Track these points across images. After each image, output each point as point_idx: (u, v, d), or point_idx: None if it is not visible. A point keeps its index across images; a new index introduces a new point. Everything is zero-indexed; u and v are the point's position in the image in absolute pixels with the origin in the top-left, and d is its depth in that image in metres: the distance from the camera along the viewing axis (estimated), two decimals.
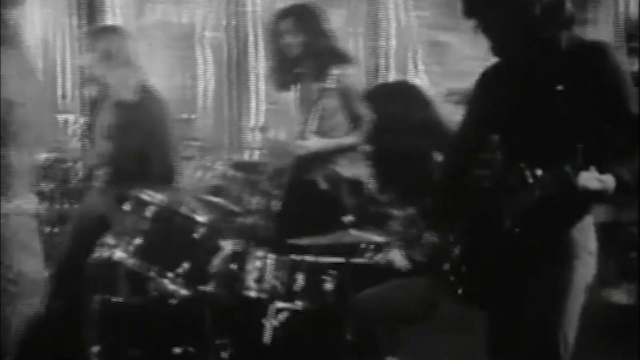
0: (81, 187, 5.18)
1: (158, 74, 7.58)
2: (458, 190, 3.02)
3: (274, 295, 4.01)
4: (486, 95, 2.97)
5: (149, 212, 3.98)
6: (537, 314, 2.80)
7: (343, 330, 3.80)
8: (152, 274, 3.97)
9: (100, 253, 4.03)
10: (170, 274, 4.00)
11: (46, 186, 5.68)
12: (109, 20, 7.57)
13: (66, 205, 5.56)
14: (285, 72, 4.75)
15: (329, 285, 4.01)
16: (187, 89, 7.02)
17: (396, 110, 4.36)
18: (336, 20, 5.52)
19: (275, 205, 4.51)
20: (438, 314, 3.63)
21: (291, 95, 4.85)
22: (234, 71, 7.01)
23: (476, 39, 2.83)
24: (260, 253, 4.03)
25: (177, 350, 3.94)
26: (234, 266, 4.05)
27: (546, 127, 2.73)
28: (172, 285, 4.02)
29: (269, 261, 4.01)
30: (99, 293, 3.94)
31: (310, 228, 3.90)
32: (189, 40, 7.04)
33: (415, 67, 6.43)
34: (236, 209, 4.59)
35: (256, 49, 6.79)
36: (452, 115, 3.80)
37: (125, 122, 4.40)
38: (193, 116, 6.70)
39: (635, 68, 5.33)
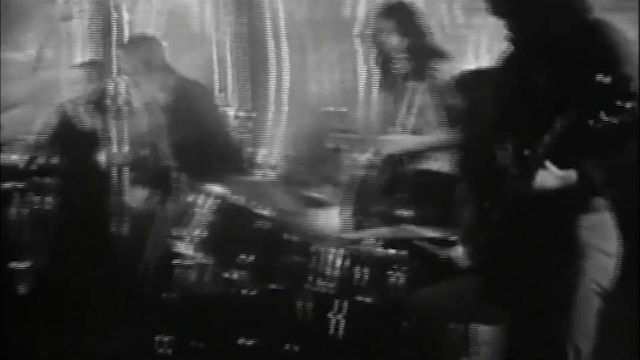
0: None
1: (318, 67, 7.70)
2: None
3: (340, 289, 3.83)
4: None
5: (213, 205, 3.91)
6: (540, 321, 2.58)
7: (404, 326, 3.62)
8: (216, 266, 3.91)
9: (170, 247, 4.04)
10: (234, 267, 3.95)
11: None
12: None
13: None
14: (388, 71, 4.61)
15: (394, 280, 3.75)
16: (345, 82, 7.05)
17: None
18: None
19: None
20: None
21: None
22: None
23: None
24: (326, 247, 3.84)
25: (242, 341, 3.86)
26: (300, 259, 3.89)
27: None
28: (236, 278, 3.95)
29: (334, 255, 3.82)
30: (167, 285, 3.98)
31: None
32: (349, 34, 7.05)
33: None
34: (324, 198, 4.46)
35: None
36: None
37: (173, 119, 4.71)
38: (345, 109, 6.71)
39: None
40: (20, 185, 6.75)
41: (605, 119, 2.32)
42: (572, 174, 2.45)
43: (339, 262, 3.85)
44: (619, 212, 2.64)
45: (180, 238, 4.00)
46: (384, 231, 3.75)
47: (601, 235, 2.58)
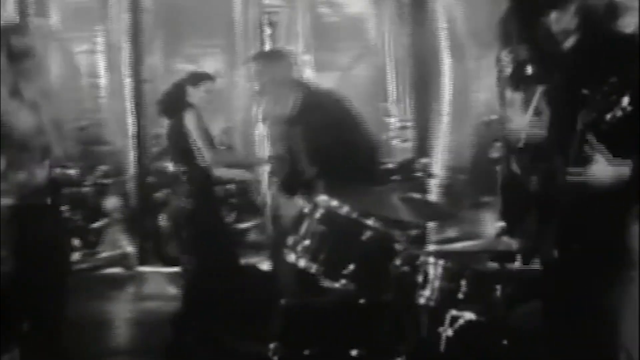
0: None
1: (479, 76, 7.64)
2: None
3: (445, 302, 3.82)
4: None
5: (318, 214, 4.01)
6: (592, 331, 2.71)
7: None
8: (322, 275, 3.99)
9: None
10: (341, 277, 3.98)
11: None
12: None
13: None
14: (516, 74, 4.52)
15: (497, 294, 3.70)
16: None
17: None
18: None
19: None
20: None
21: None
22: None
23: None
24: (431, 258, 3.85)
25: (352, 352, 3.94)
26: (406, 270, 3.92)
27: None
28: (343, 288, 4.00)
29: (434, 267, 3.82)
30: (278, 293, 4.11)
31: None
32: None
33: None
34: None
35: None
36: None
37: (306, 127, 4.77)
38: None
39: None
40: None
41: None
42: (625, 168, 2.49)
43: (440, 275, 3.83)
44: None
45: (291, 247, 4.09)
46: (485, 243, 3.67)
47: None
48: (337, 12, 8.98)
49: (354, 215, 3.97)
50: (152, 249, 8.28)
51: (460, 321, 3.82)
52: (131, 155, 8.68)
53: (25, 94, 3.91)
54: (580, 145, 2.53)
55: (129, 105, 8.74)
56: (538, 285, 3.50)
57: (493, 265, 3.79)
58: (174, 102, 5.56)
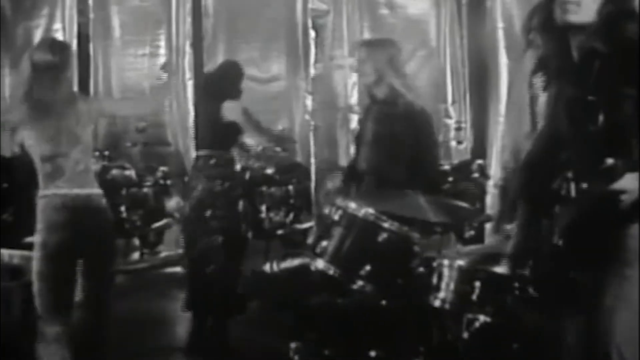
0: None
1: None
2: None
3: (460, 304, 3.78)
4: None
5: (336, 215, 4.02)
6: (585, 326, 2.70)
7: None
8: (339, 276, 4.00)
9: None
10: (356, 278, 3.98)
11: None
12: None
13: None
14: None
15: (510, 298, 3.65)
16: None
17: None
18: None
19: None
20: None
21: None
22: None
23: None
24: (446, 260, 3.82)
25: (372, 353, 3.94)
26: (422, 271, 3.90)
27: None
28: (362, 290, 4.00)
29: (449, 269, 3.79)
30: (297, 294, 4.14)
31: None
32: None
33: None
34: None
35: None
36: None
37: (389, 130, 4.73)
38: None
39: None
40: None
41: None
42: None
43: (455, 277, 3.79)
44: None
45: (310, 248, 4.12)
46: (497, 245, 3.63)
47: None
48: (396, 13, 8.97)
49: (372, 217, 3.94)
50: None
51: (476, 324, 3.75)
52: (192, 156, 8.84)
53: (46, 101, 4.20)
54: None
55: (190, 107, 8.91)
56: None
57: (506, 267, 3.73)
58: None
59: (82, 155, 4.26)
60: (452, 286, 3.81)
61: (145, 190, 8.40)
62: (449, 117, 8.68)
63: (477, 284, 3.76)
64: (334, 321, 4.10)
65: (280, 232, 8.13)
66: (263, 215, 8.32)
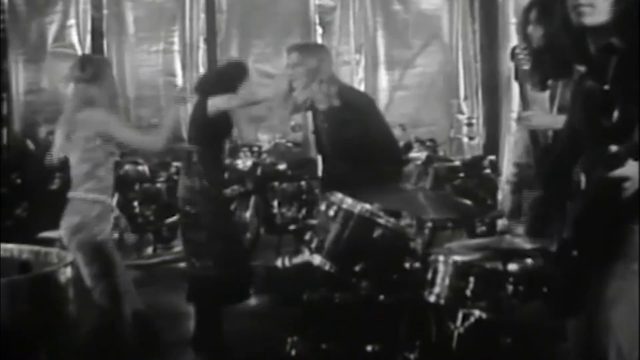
0: None
1: None
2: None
3: (454, 300, 3.80)
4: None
5: (331, 212, 4.04)
6: (586, 320, 2.66)
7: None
8: (338, 274, 4.03)
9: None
10: (351, 273, 4.02)
11: None
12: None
13: None
14: (536, 68, 4.43)
15: (504, 293, 3.66)
16: None
17: None
18: None
19: None
20: None
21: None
22: None
23: None
24: (441, 256, 3.84)
25: (369, 348, 3.97)
26: (417, 267, 3.92)
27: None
28: (359, 286, 4.03)
29: (444, 264, 3.80)
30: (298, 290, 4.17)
31: None
32: None
33: None
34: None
35: None
36: None
37: (336, 125, 4.81)
38: None
39: None
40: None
41: None
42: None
43: (450, 272, 3.81)
44: None
45: (306, 244, 4.14)
46: (489, 241, 3.64)
47: None
48: (409, 9, 8.98)
49: (367, 213, 3.96)
50: None
51: (471, 319, 3.77)
52: None
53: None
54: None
55: None
56: (544, 284, 3.47)
57: (499, 263, 3.74)
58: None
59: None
60: (447, 281, 3.83)
61: (158, 185, 8.45)
62: (461, 112, 8.68)
63: (472, 279, 3.78)
64: (331, 316, 4.12)
65: (292, 227, 8.17)
66: (275, 210, 8.35)
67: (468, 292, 3.78)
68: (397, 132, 6.64)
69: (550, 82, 4.31)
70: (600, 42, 2.65)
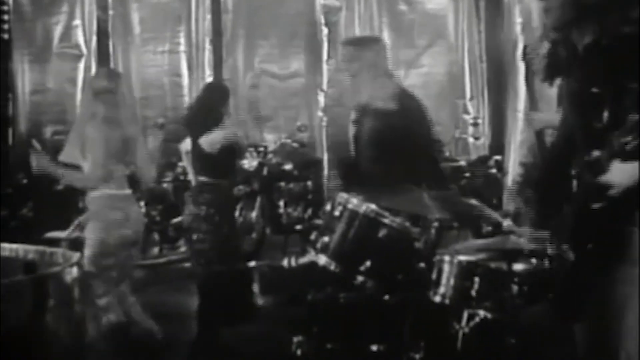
0: None
1: None
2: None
3: (459, 300, 3.79)
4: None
5: (337, 212, 4.03)
6: (592, 328, 2.68)
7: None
8: (344, 273, 4.02)
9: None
10: (356, 273, 4.01)
11: None
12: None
13: None
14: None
15: (508, 293, 3.66)
16: None
17: None
18: None
19: None
20: None
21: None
22: None
23: None
24: (447, 256, 3.83)
25: (374, 347, 3.97)
26: (423, 267, 3.91)
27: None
28: (364, 286, 4.02)
29: (449, 264, 3.80)
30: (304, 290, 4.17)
31: None
32: None
33: None
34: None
35: None
36: None
37: (388, 127, 4.60)
38: None
39: None
40: None
41: None
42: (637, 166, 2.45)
43: (455, 273, 3.80)
44: None
45: (311, 244, 4.13)
46: (494, 241, 3.63)
47: None
48: (414, 9, 8.97)
49: (372, 213, 3.95)
50: None
51: (476, 319, 3.77)
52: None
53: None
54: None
55: None
56: (548, 284, 3.46)
57: (503, 263, 3.74)
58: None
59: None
60: (452, 282, 3.83)
61: (164, 185, 8.46)
62: (467, 112, 8.67)
63: (477, 279, 3.78)
64: (336, 316, 4.12)
65: (298, 227, 8.16)
66: (281, 210, 8.36)
67: (473, 292, 3.78)
68: None
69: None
70: (588, 40, 2.65)
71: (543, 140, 4.31)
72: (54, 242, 6.91)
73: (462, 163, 7.86)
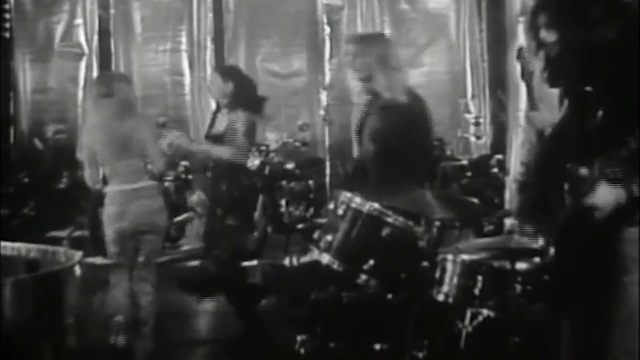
0: None
1: None
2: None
3: (462, 299, 3.79)
4: None
5: (340, 210, 4.02)
6: (582, 339, 2.65)
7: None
8: (347, 272, 4.02)
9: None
10: (360, 272, 4.00)
11: None
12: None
13: None
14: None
15: (512, 292, 3.66)
16: None
17: None
18: None
19: None
20: None
21: None
22: None
23: None
24: (450, 255, 3.83)
25: (377, 346, 3.97)
26: (426, 265, 3.91)
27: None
28: (366, 285, 4.02)
29: (452, 263, 3.80)
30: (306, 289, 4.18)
31: None
32: None
33: None
34: None
35: None
36: None
37: (393, 123, 4.58)
38: None
39: None
40: None
41: None
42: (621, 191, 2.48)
43: (458, 271, 3.80)
44: None
45: (315, 242, 4.12)
46: (497, 240, 3.64)
47: None
48: (416, 8, 8.97)
49: (375, 212, 3.95)
50: None
51: (479, 318, 3.77)
52: None
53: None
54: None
55: (212, 102, 8.94)
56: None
57: (507, 262, 3.74)
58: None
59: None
60: (455, 280, 3.83)
61: (166, 184, 8.45)
62: (469, 111, 8.66)
63: (480, 278, 3.78)
64: (339, 315, 4.11)
65: (300, 226, 8.16)
66: (283, 209, 8.35)
67: (476, 291, 3.78)
68: None
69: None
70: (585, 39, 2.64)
71: (544, 140, 4.30)
72: (56, 241, 6.92)
73: (464, 162, 7.85)
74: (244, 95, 5.60)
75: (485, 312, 3.76)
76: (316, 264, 4.14)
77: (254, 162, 7.75)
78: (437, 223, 3.98)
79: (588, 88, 2.61)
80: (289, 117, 8.73)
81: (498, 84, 8.45)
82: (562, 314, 2.77)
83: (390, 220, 3.97)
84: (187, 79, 9.18)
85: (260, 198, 7.99)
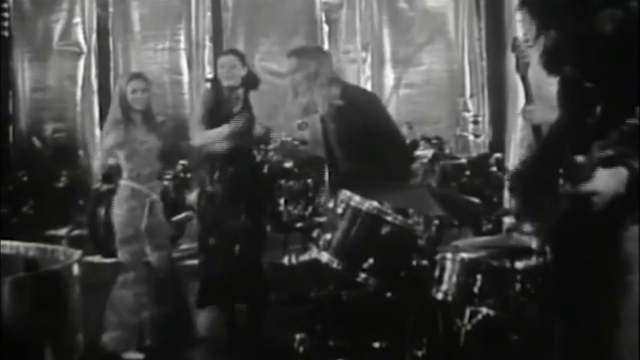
0: None
1: None
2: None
3: (461, 297, 3.80)
4: None
5: (339, 209, 4.04)
6: (587, 338, 2.60)
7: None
8: (346, 271, 4.02)
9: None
10: (359, 270, 4.01)
11: None
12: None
13: None
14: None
15: (511, 290, 3.66)
16: None
17: None
18: None
19: None
20: None
21: None
22: None
23: None
24: (449, 253, 3.84)
25: (376, 344, 3.98)
26: (425, 264, 3.92)
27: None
28: (365, 283, 4.02)
29: (451, 262, 3.80)
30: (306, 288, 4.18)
31: None
32: None
33: None
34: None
35: None
36: None
37: (342, 123, 4.76)
38: None
39: None
40: None
41: None
42: (622, 172, 2.41)
43: (457, 270, 3.80)
44: None
45: (314, 241, 4.14)
46: (496, 239, 3.64)
47: None
48: (415, 6, 8.97)
49: (375, 210, 3.96)
50: None
51: (479, 316, 3.77)
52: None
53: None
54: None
55: None
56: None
57: (506, 260, 3.74)
58: None
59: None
60: (454, 279, 3.83)
61: (165, 183, 8.44)
62: (467, 110, 8.66)
63: (479, 276, 3.78)
64: (339, 313, 4.13)
65: (299, 225, 8.15)
66: (281, 208, 8.33)
67: (475, 290, 3.79)
68: (404, 130, 6.62)
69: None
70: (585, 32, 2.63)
71: (540, 136, 4.31)
72: (55, 240, 6.92)
73: (463, 161, 7.84)
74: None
75: (484, 310, 3.77)
76: (315, 262, 4.15)
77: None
78: (436, 221, 4.00)
79: (588, 84, 2.58)
80: (287, 116, 8.72)
81: (497, 82, 8.46)
82: (558, 319, 2.74)
83: (389, 218, 3.98)
84: (185, 78, 9.18)
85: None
